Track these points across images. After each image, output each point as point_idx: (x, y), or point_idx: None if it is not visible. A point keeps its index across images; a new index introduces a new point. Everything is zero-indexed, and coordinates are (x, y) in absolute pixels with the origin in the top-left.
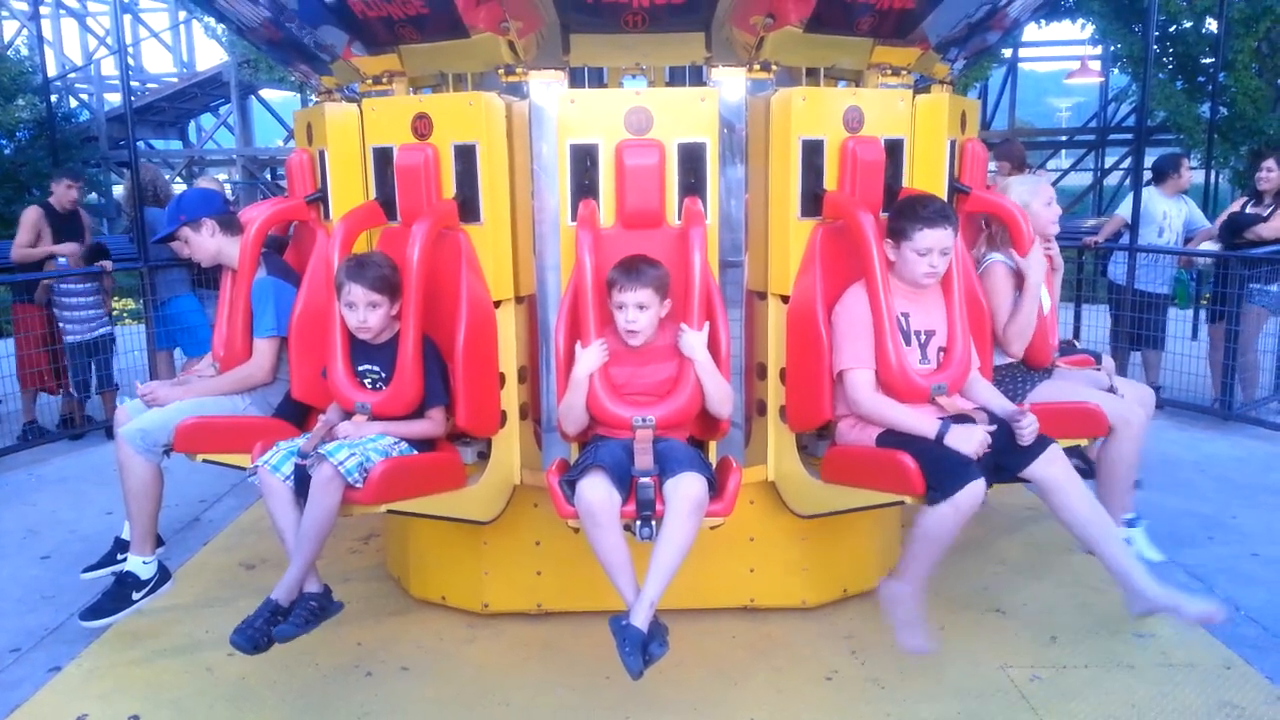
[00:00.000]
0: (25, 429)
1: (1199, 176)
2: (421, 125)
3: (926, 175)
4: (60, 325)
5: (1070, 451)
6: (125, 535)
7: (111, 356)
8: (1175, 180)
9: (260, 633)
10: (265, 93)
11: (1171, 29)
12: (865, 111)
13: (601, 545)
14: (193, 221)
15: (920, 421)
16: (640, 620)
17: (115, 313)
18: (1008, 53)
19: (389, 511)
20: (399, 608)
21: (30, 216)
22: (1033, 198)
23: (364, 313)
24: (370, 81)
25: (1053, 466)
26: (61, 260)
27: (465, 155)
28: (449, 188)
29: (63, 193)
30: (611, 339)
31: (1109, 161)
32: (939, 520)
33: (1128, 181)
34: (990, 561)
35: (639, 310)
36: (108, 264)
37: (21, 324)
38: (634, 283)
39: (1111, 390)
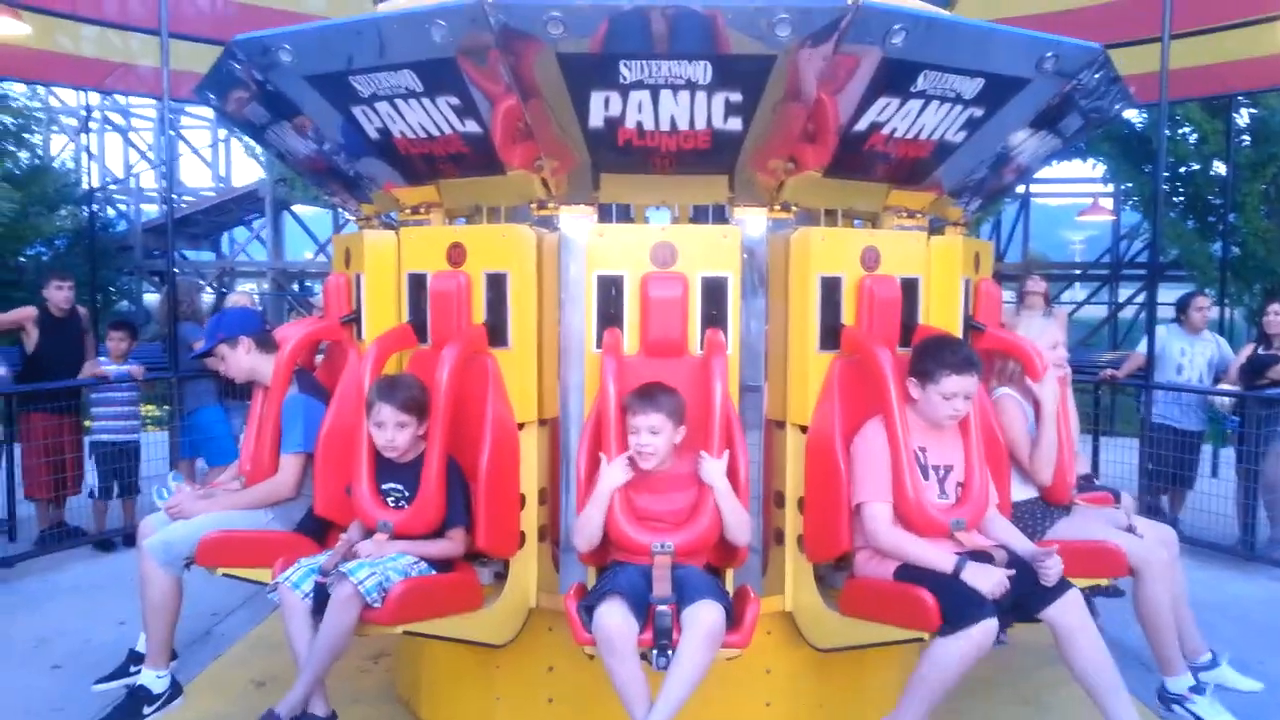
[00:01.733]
0: (43, 534)
1: (1215, 314)
2: (456, 254)
3: (942, 313)
4: (93, 423)
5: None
6: (139, 647)
7: (137, 464)
8: (1188, 319)
9: None
10: (297, 207)
11: (1181, 170)
12: (882, 251)
13: (618, 673)
14: (230, 339)
15: (937, 556)
16: None
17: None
18: (1021, 188)
19: (405, 633)
20: None
21: (25, 313)
22: (1038, 338)
23: (392, 432)
24: (408, 211)
25: (1069, 612)
26: (105, 365)
27: (496, 283)
28: (479, 313)
29: (54, 294)
30: (633, 465)
31: (1124, 295)
32: (947, 652)
33: (1142, 316)
34: (1013, 701)
35: (651, 435)
36: (138, 370)
37: (30, 433)
38: (647, 408)
39: (1131, 529)
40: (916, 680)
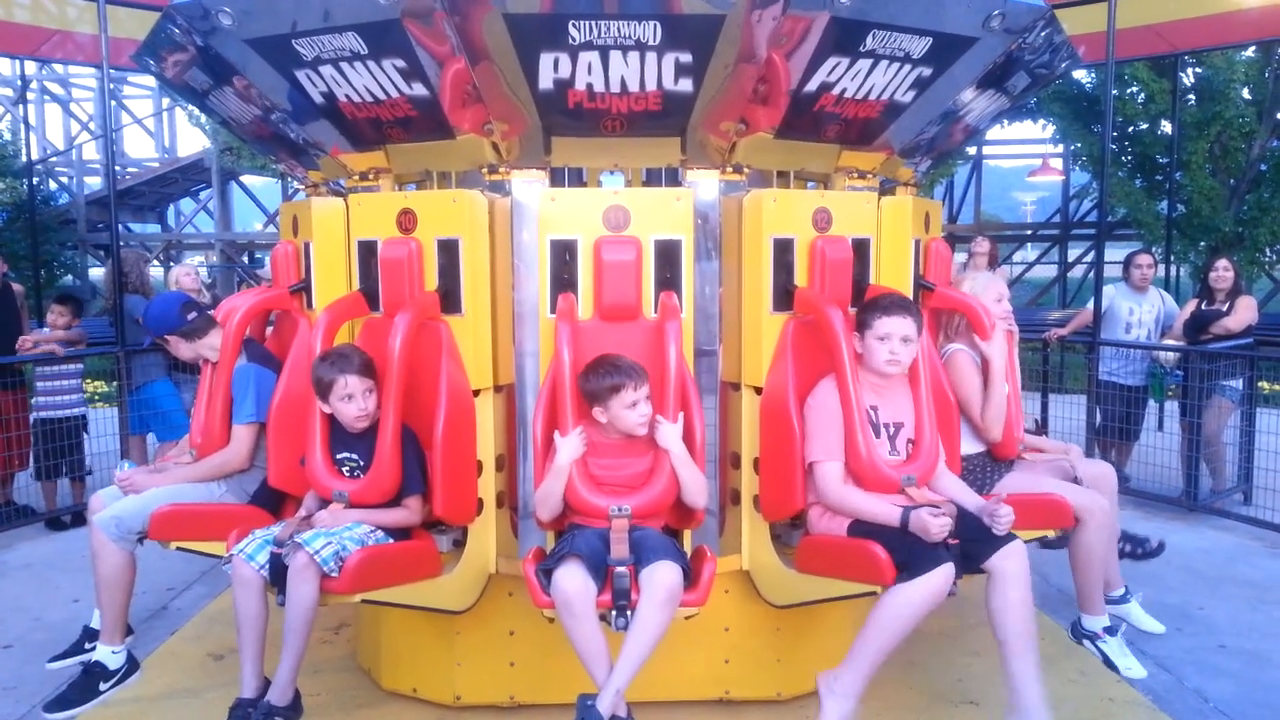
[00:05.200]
0: (1, 509)
1: (1161, 271)
2: (406, 220)
3: (892, 273)
4: (33, 400)
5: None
6: (94, 624)
7: (82, 442)
8: (1131, 277)
9: None
10: (245, 177)
11: (1129, 130)
12: (833, 212)
13: (577, 635)
14: (160, 338)
15: (884, 509)
16: (604, 706)
17: (87, 395)
18: (973, 150)
19: (364, 601)
20: (369, 700)
21: None
22: (983, 293)
23: (363, 400)
24: (357, 177)
25: (1011, 560)
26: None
27: (448, 249)
28: (431, 280)
29: None
30: (589, 430)
31: (1073, 255)
32: (904, 600)
33: (1092, 275)
34: (965, 653)
35: (647, 401)
36: (54, 347)
37: None
38: (640, 380)
39: (1076, 480)
40: (872, 626)
